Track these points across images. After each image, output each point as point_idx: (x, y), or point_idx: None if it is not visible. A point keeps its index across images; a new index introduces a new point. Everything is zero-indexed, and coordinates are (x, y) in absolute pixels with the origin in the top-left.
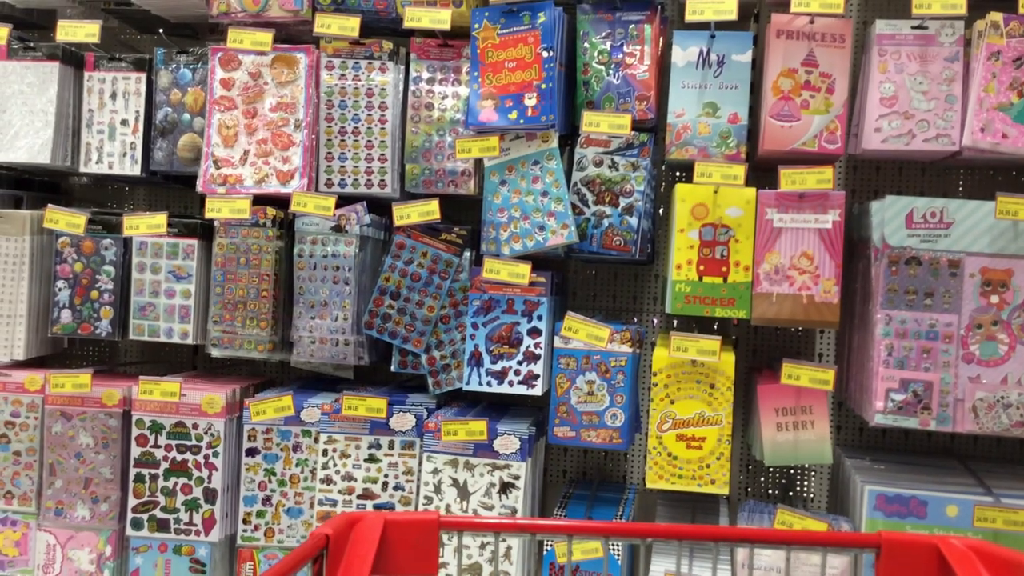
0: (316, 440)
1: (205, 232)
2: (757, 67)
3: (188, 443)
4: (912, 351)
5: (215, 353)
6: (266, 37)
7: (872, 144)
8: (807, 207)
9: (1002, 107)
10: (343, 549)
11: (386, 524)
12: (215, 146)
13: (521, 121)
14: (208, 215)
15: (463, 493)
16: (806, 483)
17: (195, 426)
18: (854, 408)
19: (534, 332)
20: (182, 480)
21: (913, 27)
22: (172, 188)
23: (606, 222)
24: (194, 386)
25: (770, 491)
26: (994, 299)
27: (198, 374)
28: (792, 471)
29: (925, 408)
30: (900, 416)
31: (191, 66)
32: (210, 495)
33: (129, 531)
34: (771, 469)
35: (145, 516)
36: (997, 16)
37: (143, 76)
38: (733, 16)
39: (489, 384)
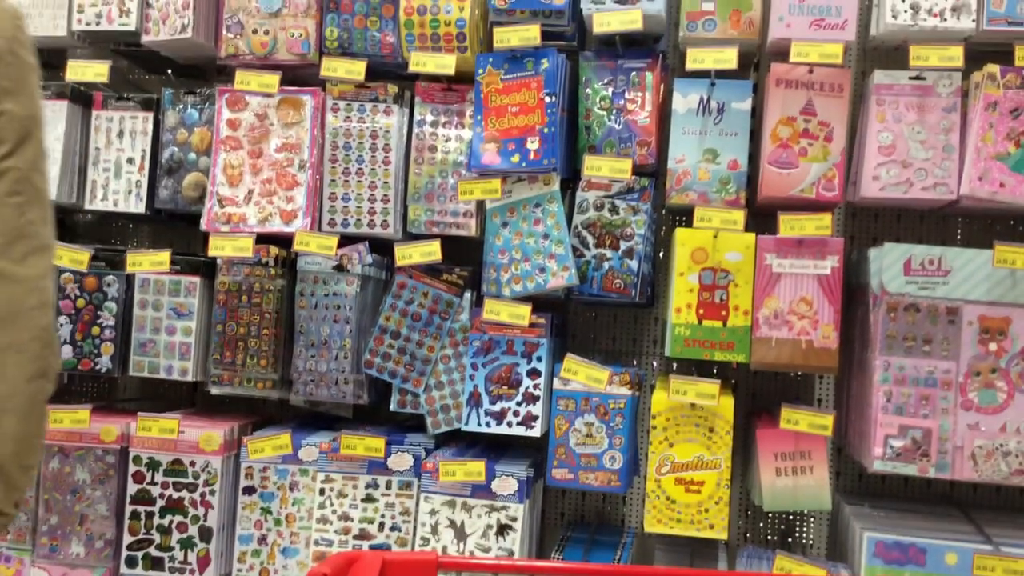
0: (313, 479)
1: (207, 270)
2: (756, 115)
3: (185, 480)
4: (911, 398)
5: (214, 391)
6: (273, 79)
7: (870, 192)
8: (806, 253)
9: (999, 156)
10: None
11: (384, 564)
12: (220, 185)
13: (523, 164)
14: (211, 253)
15: (460, 534)
16: (805, 529)
17: (192, 463)
18: (853, 454)
19: (533, 373)
20: (178, 518)
21: (911, 78)
22: (175, 226)
23: (606, 265)
24: (192, 423)
25: (769, 537)
26: (992, 347)
27: (196, 411)
28: (791, 517)
29: (924, 455)
30: (899, 463)
31: (198, 106)
32: (205, 534)
33: (123, 569)
34: (770, 515)
35: (140, 554)
36: (994, 68)
37: (150, 115)
38: (733, 65)
39: (488, 425)
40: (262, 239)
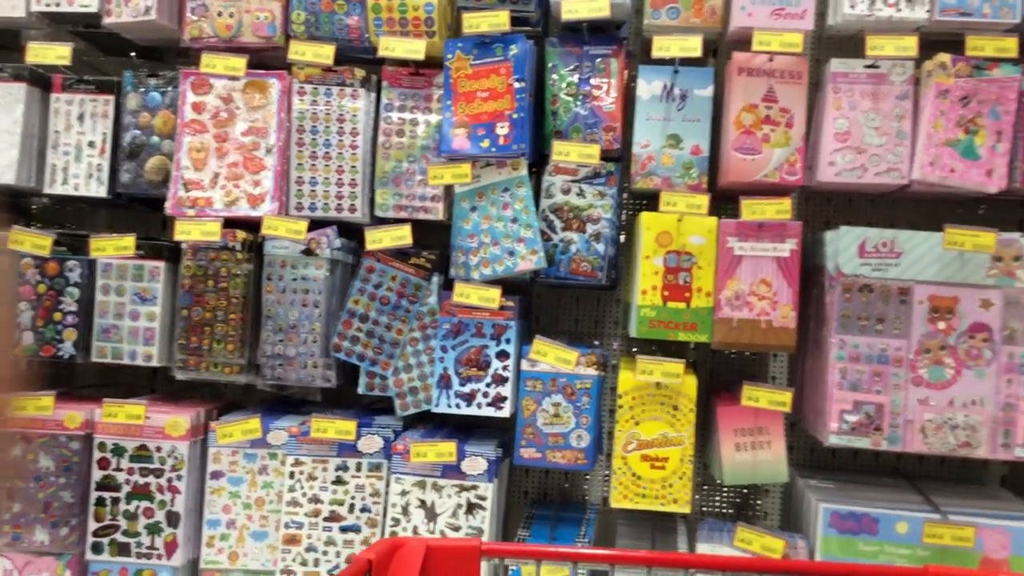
0: (283, 463)
1: (171, 255)
2: (716, 101)
3: (151, 466)
4: (864, 374)
5: (180, 376)
6: (240, 63)
7: (826, 177)
8: (766, 236)
9: (950, 143)
10: (385, 574)
11: (428, 550)
12: (185, 169)
13: (493, 149)
14: (178, 237)
15: (431, 514)
16: (759, 502)
17: (158, 449)
18: (808, 429)
19: (502, 355)
20: (144, 504)
21: (866, 66)
22: (134, 210)
23: (573, 248)
24: (158, 409)
25: (725, 510)
26: (941, 325)
27: (159, 397)
28: (746, 490)
29: (877, 429)
30: (853, 436)
31: (161, 89)
32: (173, 519)
33: (89, 555)
34: (725, 488)
35: (106, 540)
36: (945, 57)
37: (111, 98)
38: (698, 53)
39: (458, 406)
40: (228, 223)
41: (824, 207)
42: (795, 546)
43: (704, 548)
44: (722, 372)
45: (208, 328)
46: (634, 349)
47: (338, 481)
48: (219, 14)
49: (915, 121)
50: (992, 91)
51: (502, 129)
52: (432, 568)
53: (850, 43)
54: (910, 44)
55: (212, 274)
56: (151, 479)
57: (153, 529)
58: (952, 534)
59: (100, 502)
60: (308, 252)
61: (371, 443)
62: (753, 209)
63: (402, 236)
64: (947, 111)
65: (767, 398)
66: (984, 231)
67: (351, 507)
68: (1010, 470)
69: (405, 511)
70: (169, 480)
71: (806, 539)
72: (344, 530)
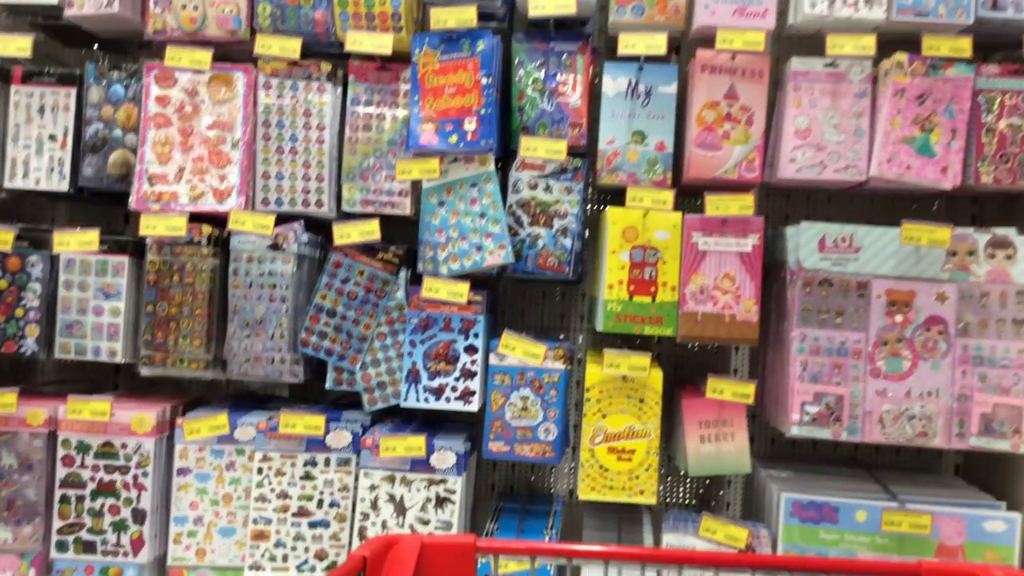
0: (250, 459)
1: (136, 249)
2: (679, 98)
3: (116, 463)
4: (824, 366)
5: (145, 372)
6: (205, 56)
7: (787, 173)
8: (729, 231)
9: (906, 140)
10: (379, 572)
11: (423, 547)
12: (149, 163)
13: (461, 145)
14: (143, 232)
15: (400, 508)
16: (721, 492)
17: (124, 446)
18: (770, 421)
19: (471, 349)
20: (110, 501)
21: (825, 65)
22: (96, 204)
23: (541, 243)
24: (123, 405)
25: (689, 501)
26: (898, 318)
27: (124, 393)
28: (709, 481)
29: (837, 420)
30: (814, 427)
31: (124, 82)
32: (139, 516)
33: (54, 554)
34: (689, 479)
35: (71, 538)
36: (902, 56)
37: (72, 91)
38: (663, 51)
39: (427, 400)
40: (194, 218)
41: (783, 203)
42: (758, 535)
43: (670, 538)
44: (685, 365)
45: (174, 323)
46: (600, 343)
47: (306, 476)
48: (183, 7)
49: (873, 119)
50: (947, 90)
51: (470, 125)
52: (426, 565)
53: (810, 42)
54: (869, 43)
55: (177, 269)
56: (116, 476)
57: (119, 526)
58: (909, 522)
59: (64, 500)
60: (275, 247)
61: (340, 438)
62: (717, 205)
63: (371, 231)
64: (904, 109)
65: (731, 390)
66: (939, 226)
67: (320, 502)
68: (964, 459)
69: (374, 505)
70: (135, 477)
71: (768, 528)
72: (313, 525)
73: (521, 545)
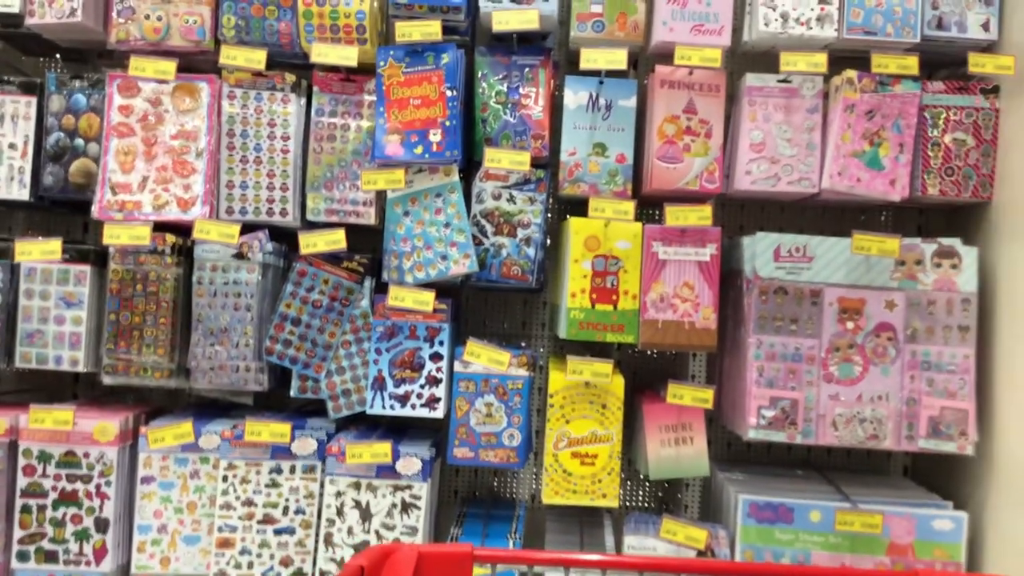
0: (215, 467)
1: (98, 258)
2: (638, 111)
3: (79, 472)
4: (780, 372)
5: (108, 381)
6: (170, 66)
7: (743, 185)
8: (688, 241)
9: (856, 154)
10: None
11: (420, 556)
12: (112, 172)
13: (426, 156)
14: (107, 241)
15: (365, 514)
16: (679, 495)
17: (86, 455)
18: (727, 425)
19: (436, 357)
20: (72, 510)
21: (779, 81)
22: (55, 213)
23: (504, 252)
24: (85, 414)
25: (649, 504)
26: (850, 325)
27: (85, 402)
28: (668, 484)
29: (792, 423)
30: (770, 430)
31: (86, 91)
32: (101, 525)
33: (15, 564)
34: (648, 483)
35: (32, 548)
36: (852, 73)
37: (33, 100)
38: (623, 66)
39: (392, 407)
40: (158, 227)
41: (739, 213)
42: (717, 536)
43: (631, 540)
44: (644, 372)
45: (137, 332)
46: (561, 350)
47: (272, 484)
48: (147, 17)
49: (824, 133)
50: (895, 106)
51: (435, 136)
52: (424, 574)
53: (764, 58)
54: (820, 60)
55: (141, 278)
56: (79, 485)
57: (81, 535)
58: (862, 521)
59: (26, 509)
60: (240, 256)
61: (305, 445)
62: (677, 215)
63: (336, 240)
64: (854, 124)
65: (691, 395)
66: (888, 237)
67: (285, 509)
68: (913, 461)
69: (340, 512)
70: (97, 486)
71: (727, 529)
72: (278, 532)
73: (518, 554)
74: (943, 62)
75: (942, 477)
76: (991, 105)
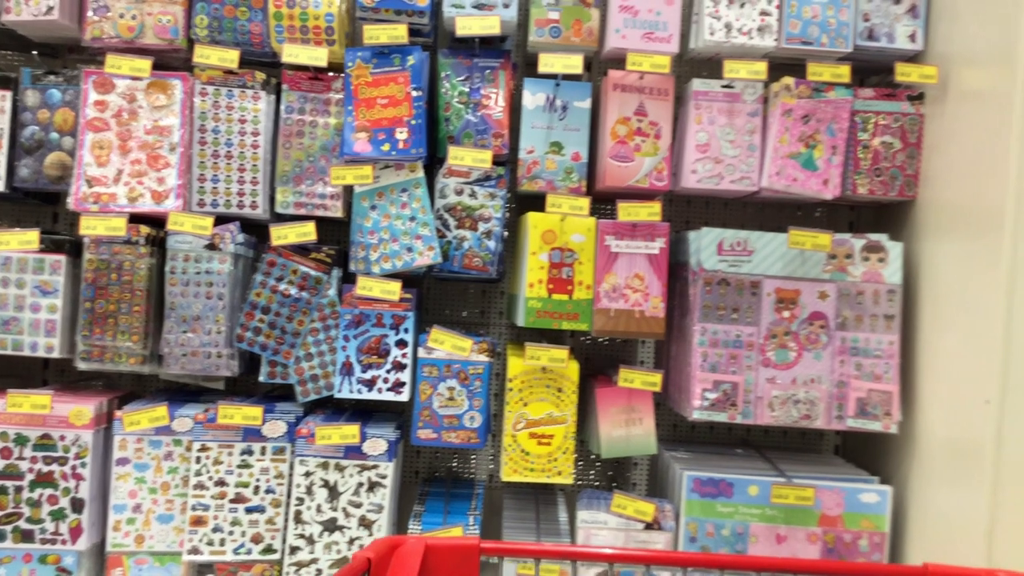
0: (188, 449)
1: (72, 248)
2: (592, 112)
3: (55, 455)
4: (722, 357)
5: (83, 366)
6: (145, 64)
7: (689, 183)
8: (639, 235)
9: (793, 155)
10: (384, 573)
11: (427, 549)
12: (87, 165)
13: (393, 153)
14: (83, 232)
15: (333, 493)
16: (628, 473)
17: (62, 438)
18: (673, 407)
19: (401, 344)
20: (48, 491)
21: (722, 86)
22: (23, 204)
23: (466, 245)
24: (62, 399)
25: (600, 482)
26: (786, 314)
27: (59, 387)
28: (617, 462)
29: (732, 404)
30: (713, 411)
31: (61, 87)
32: (77, 505)
33: None
34: (599, 462)
35: (8, 528)
36: (789, 80)
37: (8, 94)
38: (580, 71)
39: (360, 392)
40: (132, 218)
41: (685, 209)
42: (663, 509)
43: (584, 515)
44: (595, 358)
45: (112, 320)
46: (517, 337)
47: (243, 464)
48: (121, 16)
49: (764, 136)
50: (828, 111)
51: (401, 134)
52: (432, 566)
53: (709, 64)
54: (761, 68)
55: (115, 267)
56: (55, 467)
57: (57, 515)
58: (795, 495)
59: (2, 490)
60: (212, 247)
61: (275, 428)
62: (628, 211)
63: (307, 232)
64: (791, 128)
65: (640, 379)
66: (821, 233)
67: (256, 489)
68: (842, 439)
69: (309, 491)
70: (73, 468)
71: (672, 503)
72: (249, 511)
73: (526, 547)
74: (873, 70)
75: (869, 454)
76: (916, 111)
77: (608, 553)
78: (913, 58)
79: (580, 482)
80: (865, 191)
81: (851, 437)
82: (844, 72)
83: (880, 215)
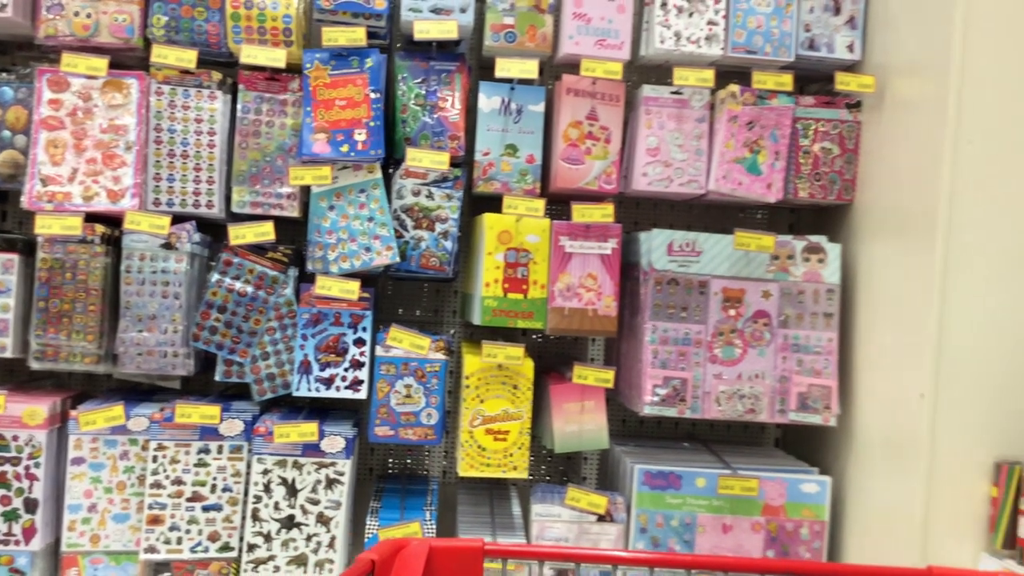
0: (144, 448)
1: (25, 247)
2: (546, 116)
3: (7, 455)
4: (672, 354)
5: (36, 366)
6: (102, 63)
7: (640, 186)
8: (592, 236)
9: (738, 160)
10: (388, 575)
11: (431, 551)
12: (42, 164)
13: (352, 154)
14: (39, 231)
15: (291, 491)
16: (578, 466)
17: (15, 438)
18: (625, 402)
19: (359, 342)
20: (0, 492)
21: (672, 92)
22: None
23: (423, 245)
24: (14, 399)
25: (552, 476)
26: (732, 312)
27: (9, 387)
28: (569, 457)
29: (682, 399)
30: (663, 406)
31: (13, 85)
32: (31, 505)
33: None
34: (551, 457)
35: None
36: (735, 87)
37: None
38: (535, 75)
39: (318, 390)
40: (87, 217)
41: (635, 210)
42: (615, 502)
43: (539, 508)
44: (547, 355)
45: (66, 319)
46: (471, 336)
47: (200, 463)
48: (76, 14)
49: (711, 141)
50: (772, 117)
51: (360, 135)
52: (436, 568)
53: (659, 71)
54: (708, 76)
55: (70, 266)
56: (8, 467)
57: (10, 516)
58: (741, 485)
59: None
60: (168, 246)
61: (232, 427)
62: (582, 213)
63: (265, 232)
64: (736, 133)
65: (594, 376)
66: (765, 235)
67: (213, 487)
68: (783, 433)
69: (267, 488)
70: (27, 468)
71: (623, 495)
72: (207, 509)
73: (530, 549)
74: (814, 79)
75: (808, 446)
76: (854, 118)
77: (612, 555)
78: (851, 67)
79: (532, 477)
80: (806, 195)
81: (791, 430)
82: (787, 80)
83: (819, 217)
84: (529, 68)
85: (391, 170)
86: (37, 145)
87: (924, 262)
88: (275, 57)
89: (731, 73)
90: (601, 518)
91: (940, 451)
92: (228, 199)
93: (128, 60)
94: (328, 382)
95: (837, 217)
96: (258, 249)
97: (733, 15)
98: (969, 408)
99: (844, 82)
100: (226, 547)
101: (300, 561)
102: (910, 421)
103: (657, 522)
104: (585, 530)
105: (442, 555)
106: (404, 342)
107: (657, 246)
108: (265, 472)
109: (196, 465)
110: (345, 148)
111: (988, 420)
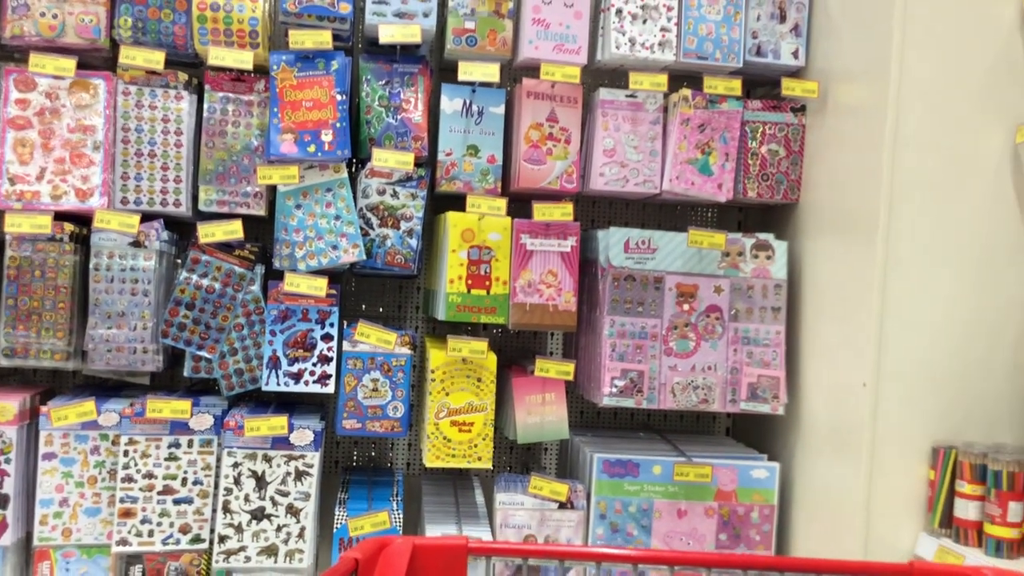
0: (114, 443)
1: None
2: (506, 118)
3: None
4: (629, 347)
5: (5, 363)
6: (69, 64)
7: (597, 185)
8: (552, 234)
9: (691, 161)
10: (371, 574)
11: (415, 549)
12: (10, 163)
13: (319, 154)
14: (8, 230)
15: (261, 483)
16: (539, 456)
17: None
18: (584, 394)
19: (327, 337)
20: None
21: (627, 96)
22: None
23: (389, 242)
24: None
25: (513, 466)
26: (686, 307)
27: None
28: (529, 448)
29: (638, 391)
30: (621, 398)
31: None
32: (2, 501)
33: None
34: (512, 447)
35: None
36: (687, 91)
37: None
38: (496, 79)
39: (287, 384)
40: (56, 216)
41: (591, 208)
42: (576, 489)
43: (503, 497)
44: (508, 349)
45: (36, 316)
46: (433, 331)
47: (171, 457)
48: (42, 14)
49: (664, 142)
50: (722, 120)
51: (326, 136)
52: (420, 566)
53: (614, 74)
54: (662, 80)
55: (39, 264)
56: None
57: None
58: (695, 472)
59: None
60: (136, 244)
61: (202, 421)
62: (543, 211)
63: (234, 230)
64: (688, 135)
65: (555, 369)
66: (716, 233)
67: (184, 480)
68: (733, 423)
69: (237, 481)
70: None
71: (583, 483)
72: (177, 502)
73: (515, 547)
74: (761, 83)
75: (757, 434)
76: (799, 121)
77: (597, 552)
78: (796, 73)
79: (495, 466)
80: (754, 194)
81: (741, 419)
82: (736, 85)
83: (766, 216)
84: (490, 72)
85: (353, 169)
86: (5, 144)
87: (865, 258)
88: (242, 59)
89: (683, 77)
90: (562, 505)
91: (881, 437)
92: (195, 198)
93: (94, 60)
94: (297, 377)
95: (783, 216)
96: (225, 247)
97: (685, 22)
98: (908, 396)
99: (789, 87)
100: (197, 539)
101: (271, 552)
102: (853, 409)
103: (616, 508)
104: (547, 517)
105: (426, 553)
106: (371, 337)
107: (614, 244)
108: (235, 465)
109: (167, 459)
110: (312, 148)
111: (926, 407)
